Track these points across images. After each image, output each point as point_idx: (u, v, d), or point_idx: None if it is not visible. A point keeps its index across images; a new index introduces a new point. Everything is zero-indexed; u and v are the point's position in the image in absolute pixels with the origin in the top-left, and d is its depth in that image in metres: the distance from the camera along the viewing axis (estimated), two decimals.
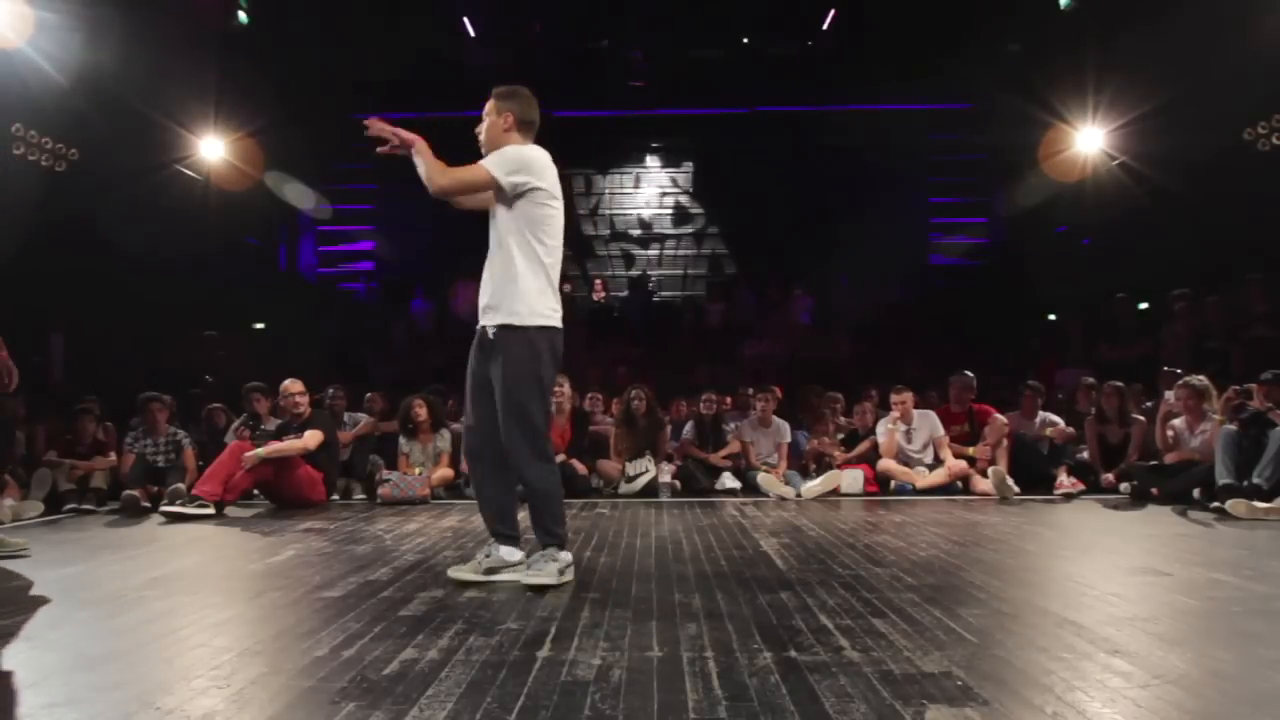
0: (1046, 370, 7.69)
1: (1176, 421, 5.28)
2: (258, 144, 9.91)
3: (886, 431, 5.79)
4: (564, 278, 13.14)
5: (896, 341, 9.40)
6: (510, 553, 2.77)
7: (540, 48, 11.27)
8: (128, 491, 5.20)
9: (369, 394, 6.78)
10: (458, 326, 10.57)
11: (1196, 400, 5.14)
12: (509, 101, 2.87)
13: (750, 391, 6.54)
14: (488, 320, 2.74)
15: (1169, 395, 5.59)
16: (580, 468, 5.77)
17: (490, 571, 2.73)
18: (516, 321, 2.67)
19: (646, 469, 5.70)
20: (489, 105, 2.90)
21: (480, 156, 2.82)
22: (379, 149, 2.76)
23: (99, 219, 7.45)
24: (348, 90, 10.81)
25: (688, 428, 6.43)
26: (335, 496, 5.57)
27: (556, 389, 5.89)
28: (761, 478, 5.63)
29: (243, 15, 9.56)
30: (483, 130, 2.87)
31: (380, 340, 10.35)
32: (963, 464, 5.64)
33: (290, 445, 5.10)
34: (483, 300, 2.77)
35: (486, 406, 2.76)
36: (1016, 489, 5.27)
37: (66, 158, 7.53)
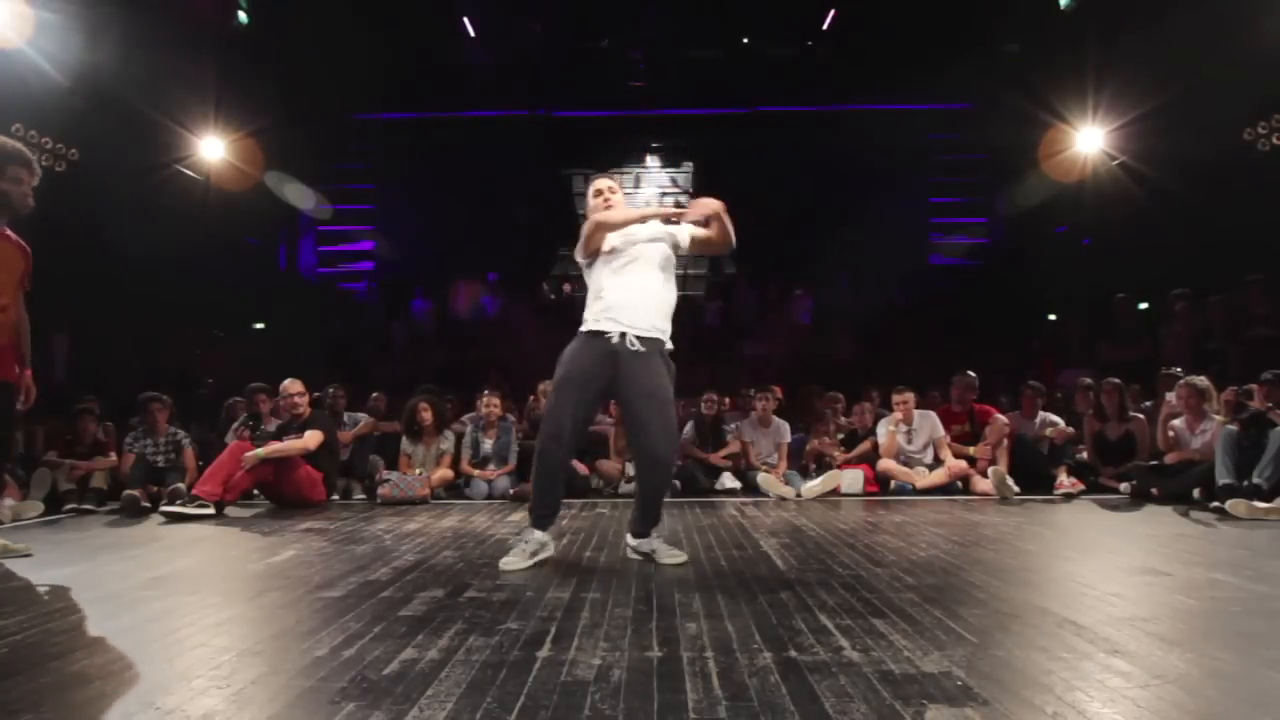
0: (1046, 370, 7.70)
1: (1176, 421, 5.28)
2: (258, 144, 9.91)
3: (887, 432, 5.79)
4: (565, 277, 13.17)
5: (896, 341, 9.40)
6: (545, 535, 3.15)
7: (540, 48, 11.27)
8: (128, 491, 5.20)
9: (374, 393, 6.79)
10: (458, 326, 10.60)
11: (1197, 399, 5.14)
12: None
13: (750, 391, 6.54)
14: (645, 333, 3.04)
15: (1169, 397, 5.59)
16: (580, 468, 5.77)
17: (534, 555, 3.07)
18: (668, 344, 3.13)
19: None
20: (613, 183, 3.36)
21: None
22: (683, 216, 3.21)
23: (99, 219, 7.45)
24: (348, 90, 10.82)
25: (688, 428, 6.42)
26: (335, 496, 5.57)
27: None
28: (761, 478, 5.63)
29: (243, 15, 9.57)
30: (616, 204, 3.26)
31: (380, 340, 10.35)
32: (963, 464, 5.65)
33: (290, 445, 5.10)
34: (638, 318, 3.05)
35: (592, 406, 3.13)
36: (1016, 489, 5.28)
37: (66, 158, 7.53)
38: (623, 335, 3.01)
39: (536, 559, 3.05)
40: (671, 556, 3.08)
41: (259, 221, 11.03)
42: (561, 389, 3.03)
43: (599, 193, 3.27)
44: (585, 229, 3.15)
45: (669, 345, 3.11)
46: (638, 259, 3.13)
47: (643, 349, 3.01)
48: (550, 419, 3.04)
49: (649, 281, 3.11)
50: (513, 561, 3.00)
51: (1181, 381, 5.28)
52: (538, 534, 3.11)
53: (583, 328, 3.11)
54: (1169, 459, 5.19)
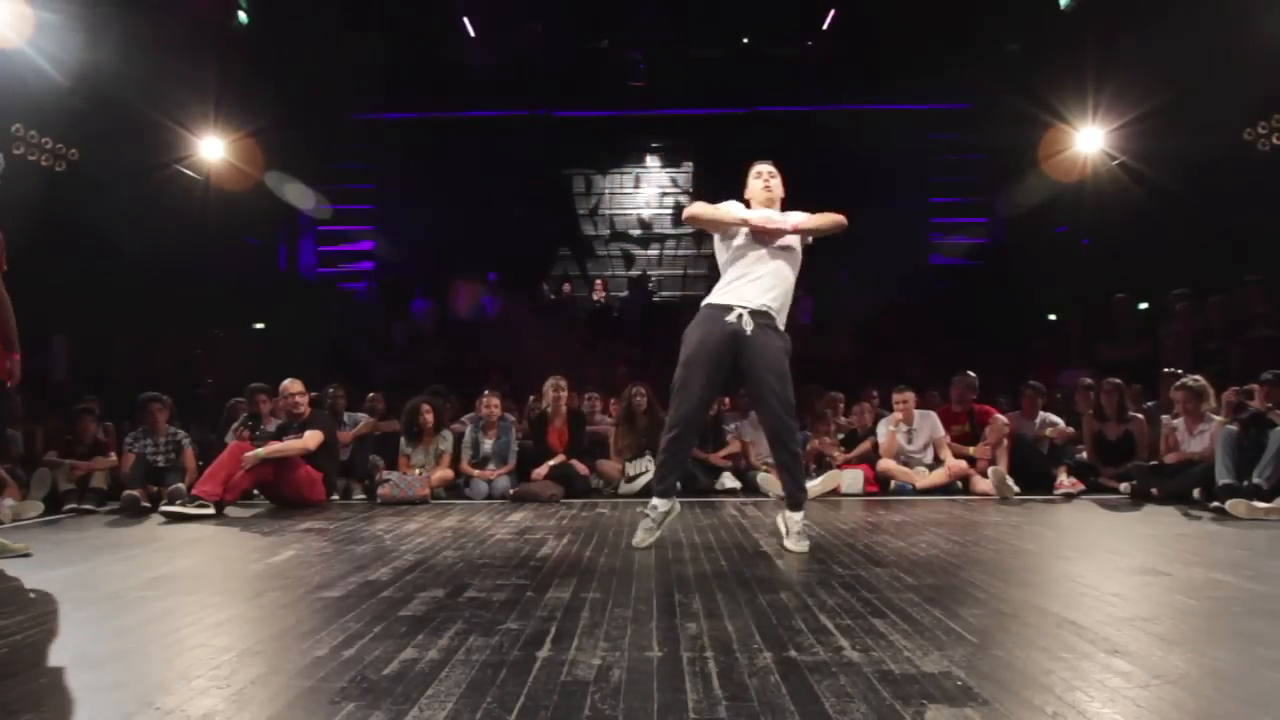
0: (1046, 370, 7.69)
1: (1176, 422, 5.29)
2: (258, 144, 9.91)
3: (888, 432, 5.79)
4: (564, 278, 13.16)
5: (896, 341, 9.39)
6: (668, 501, 3.39)
7: (540, 48, 11.27)
8: (128, 491, 5.20)
9: (371, 394, 6.78)
10: (458, 326, 10.60)
11: (1195, 401, 5.14)
12: None
13: None
14: (760, 308, 3.30)
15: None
16: (580, 468, 5.77)
17: (659, 523, 3.37)
18: (782, 327, 3.41)
19: (646, 469, 5.69)
20: (773, 167, 3.64)
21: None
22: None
23: (99, 219, 7.45)
24: (348, 90, 10.82)
25: None
26: (335, 496, 5.57)
27: (555, 392, 5.93)
28: (761, 478, 5.63)
29: (243, 15, 9.57)
30: (775, 186, 3.59)
31: (380, 340, 10.35)
32: (963, 464, 5.64)
33: (290, 445, 5.10)
34: (763, 301, 3.32)
35: (717, 384, 3.35)
36: (1016, 489, 5.27)
37: (66, 158, 7.53)
38: (739, 316, 3.25)
39: (664, 524, 3.38)
40: (795, 544, 3.26)
41: (259, 221, 11.03)
42: (689, 367, 3.26)
43: (759, 175, 3.57)
44: (706, 212, 3.43)
45: (781, 324, 3.36)
46: (759, 240, 3.37)
47: (758, 326, 3.25)
48: (680, 399, 3.25)
49: (766, 261, 3.37)
50: (642, 539, 3.33)
51: (1177, 384, 5.27)
52: (661, 503, 3.35)
53: (705, 300, 3.37)
54: (1169, 459, 5.19)
